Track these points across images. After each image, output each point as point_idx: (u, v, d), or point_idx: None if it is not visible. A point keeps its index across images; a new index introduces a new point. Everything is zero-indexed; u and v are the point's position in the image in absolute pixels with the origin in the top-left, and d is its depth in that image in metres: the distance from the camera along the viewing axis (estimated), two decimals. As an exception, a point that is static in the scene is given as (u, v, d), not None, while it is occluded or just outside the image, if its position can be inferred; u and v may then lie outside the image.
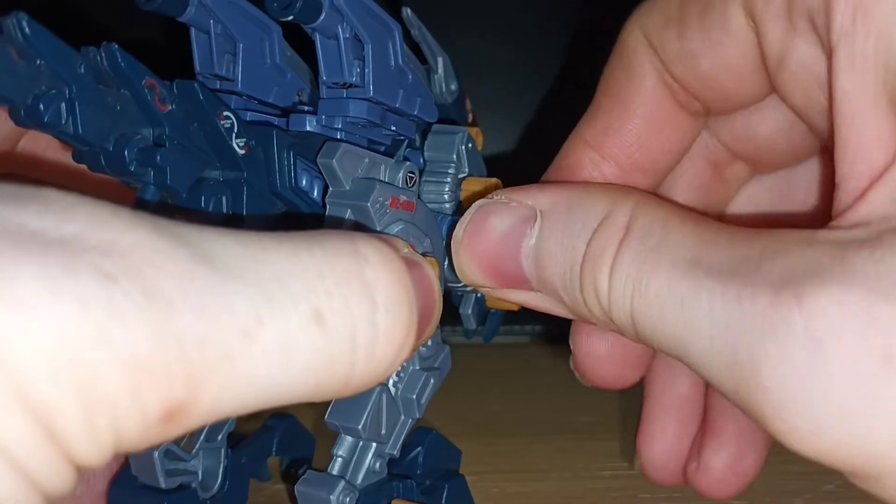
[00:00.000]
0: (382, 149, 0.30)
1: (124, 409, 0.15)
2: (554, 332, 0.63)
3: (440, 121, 0.32)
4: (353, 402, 0.28)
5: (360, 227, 0.27)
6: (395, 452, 0.30)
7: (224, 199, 0.26)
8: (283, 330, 0.17)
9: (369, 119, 0.28)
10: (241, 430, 0.35)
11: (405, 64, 0.28)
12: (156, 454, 0.29)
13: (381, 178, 0.28)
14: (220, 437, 0.31)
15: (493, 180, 0.31)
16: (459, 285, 0.33)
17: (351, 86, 0.27)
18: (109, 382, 0.15)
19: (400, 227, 0.27)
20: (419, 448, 0.32)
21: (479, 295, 0.34)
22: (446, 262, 0.31)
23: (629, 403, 0.48)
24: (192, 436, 0.30)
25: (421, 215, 0.28)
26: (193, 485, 0.30)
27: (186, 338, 0.16)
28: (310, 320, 0.18)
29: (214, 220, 0.26)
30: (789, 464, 0.38)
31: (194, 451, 0.30)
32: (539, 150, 0.64)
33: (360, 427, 0.28)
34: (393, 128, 0.29)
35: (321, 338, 0.18)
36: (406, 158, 0.30)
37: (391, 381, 0.29)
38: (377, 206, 0.26)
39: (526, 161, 0.64)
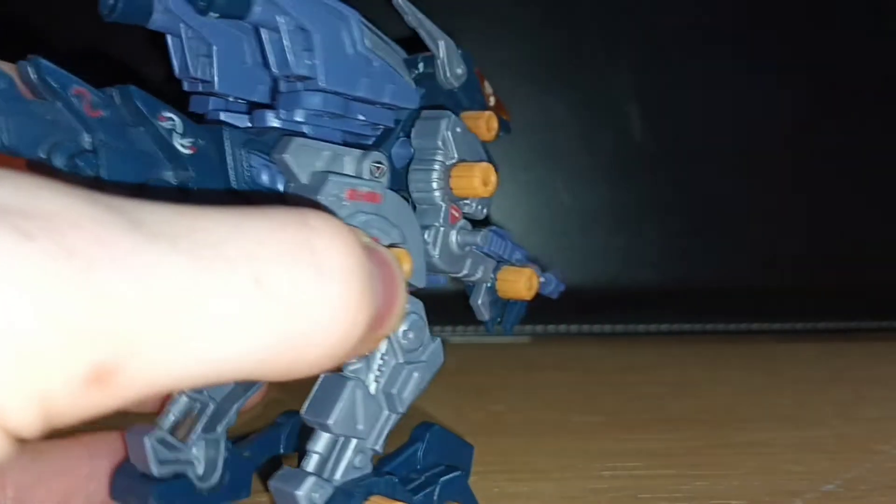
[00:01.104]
0: (370, 140, 0.30)
1: (47, 368, 0.15)
2: (554, 332, 0.63)
3: (445, 107, 0.32)
4: (326, 397, 0.28)
5: None
6: (377, 448, 0.29)
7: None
8: (219, 295, 0.17)
9: (327, 110, 0.27)
10: (253, 427, 0.35)
11: (368, 50, 0.28)
12: (147, 441, 0.29)
13: (344, 171, 0.27)
14: (218, 429, 0.31)
15: (484, 164, 0.31)
16: (461, 274, 0.33)
17: (306, 78, 0.27)
18: (30, 339, 0.15)
19: (362, 218, 0.27)
20: (418, 443, 0.31)
21: (489, 285, 0.34)
22: (437, 251, 0.31)
23: (629, 404, 0.48)
24: (187, 425, 0.31)
25: (390, 206, 0.28)
26: (190, 475, 0.30)
27: (107, 297, 0.15)
28: (249, 287, 0.17)
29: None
30: (789, 464, 0.38)
31: (190, 440, 0.30)
32: (539, 149, 0.64)
33: (329, 422, 0.27)
34: (361, 117, 0.29)
35: (262, 305, 0.17)
36: (377, 148, 0.30)
37: (372, 376, 0.29)
38: (332, 198, 0.26)
39: (526, 160, 0.64)
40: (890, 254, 0.64)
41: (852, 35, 0.63)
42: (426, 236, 0.31)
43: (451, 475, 0.31)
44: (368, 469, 0.29)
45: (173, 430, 0.31)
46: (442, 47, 0.33)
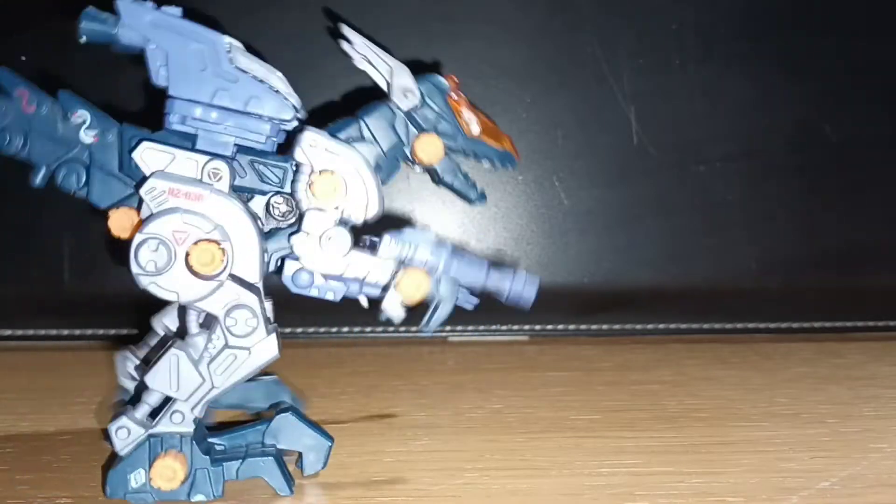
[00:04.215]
0: (267, 149, 0.35)
1: None
2: (553, 331, 0.64)
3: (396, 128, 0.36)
4: (155, 359, 0.34)
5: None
6: (196, 412, 0.34)
7: (77, 175, 0.35)
8: None
9: (181, 113, 0.33)
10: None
11: (234, 69, 0.33)
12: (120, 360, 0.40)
13: (183, 172, 0.33)
14: None
15: (325, 175, 0.34)
16: (348, 276, 0.35)
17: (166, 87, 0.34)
18: None
19: (176, 213, 0.33)
20: (263, 424, 0.36)
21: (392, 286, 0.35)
22: (304, 255, 0.34)
23: (627, 402, 0.48)
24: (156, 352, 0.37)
25: (213, 205, 0.33)
26: None
27: None
28: None
29: None
30: (786, 461, 0.39)
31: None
32: (538, 149, 0.64)
33: (147, 379, 0.34)
34: (229, 123, 0.34)
35: None
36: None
37: (200, 351, 0.34)
38: (151, 193, 0.33)
39: (526, 160, 0.64)
40: (887, 254, 0.64)
41: (852, 35, 0.63)
42: (293, 240, 0.35)
43: (262, 455, 0.35)
44: (187, 428, 0.34)
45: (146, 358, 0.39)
46: (387, 74, 0.36)
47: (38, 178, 0.35)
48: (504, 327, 0.64)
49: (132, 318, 0.61)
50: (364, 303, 0.36)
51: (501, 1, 0.60)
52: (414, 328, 0.62)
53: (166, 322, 0.40)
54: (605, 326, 0.64)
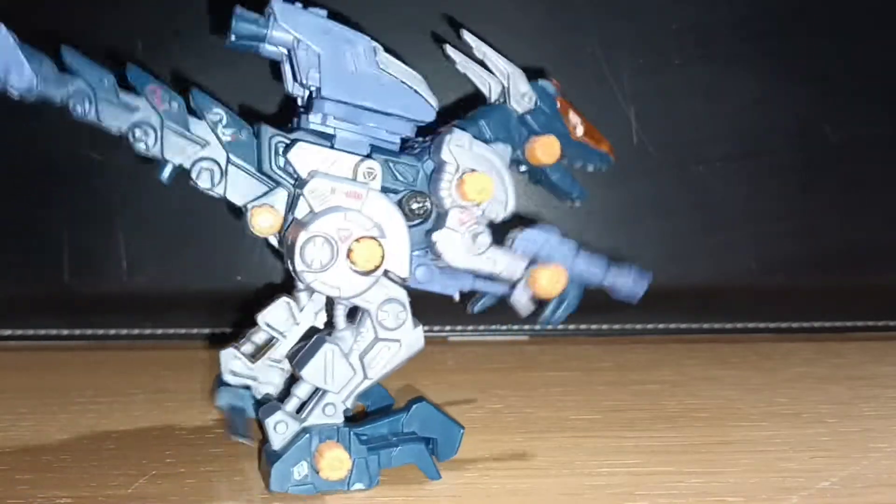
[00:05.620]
0: (396, 149, 0.36)
1: None
2: (552, 330, 0.64)
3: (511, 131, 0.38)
4: (308, 352, 0.35)
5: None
6: (347, 404, 0.35)
7: (212, 173, 0.35)
8: None
9: (330, 114, 0.34)
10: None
11: (378, 69, 0.34)
12: (224, 355, 0.39)
13: (339, 172, 0.34)
14: (280, 359, 0.40)
15: (478, 174, 0.35)
16: (484, 272, 0.36)
17: (317, 88, 0.34)
18: None
19: (339, 211, 0.33)
20: (402, 413, 0.37)
21: (523, 282, 0.37)
22: (445, 250, 0.35)
23: (627, 402, 0.48)
24: (260, 351, 0.40)
25: (371, 205, 0.34)
26: (252, 389, 0.40)
27: None
28: None
29: None
30: (786, 461, 0.39)
31: (256, 362, 0.40)
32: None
33: (302, 372, 0.34)
34: (371, 124, 0.35)
35: None
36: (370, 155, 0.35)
37: (350, 343, 0.35)
38: (314, 192, 0.33)
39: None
40: (887, 254, 0.64)
41: (852, 36, 0.63)
42: (436, 237, 0.35)
43: (412, 442, 0.36)
44: (338, 420, 0.35)
45: (251, 354, 0.40)
46: (504, 78, 0.38)
47: (166, 175, 0.35)
48: (504, 327, 0.64)
49: (132, 317, 0.61)
50: (456, 296, 0.37)
51: (501, 1, 0.60)
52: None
53: (269, 320, 0.40)
54: (605, 326, 0.64)
